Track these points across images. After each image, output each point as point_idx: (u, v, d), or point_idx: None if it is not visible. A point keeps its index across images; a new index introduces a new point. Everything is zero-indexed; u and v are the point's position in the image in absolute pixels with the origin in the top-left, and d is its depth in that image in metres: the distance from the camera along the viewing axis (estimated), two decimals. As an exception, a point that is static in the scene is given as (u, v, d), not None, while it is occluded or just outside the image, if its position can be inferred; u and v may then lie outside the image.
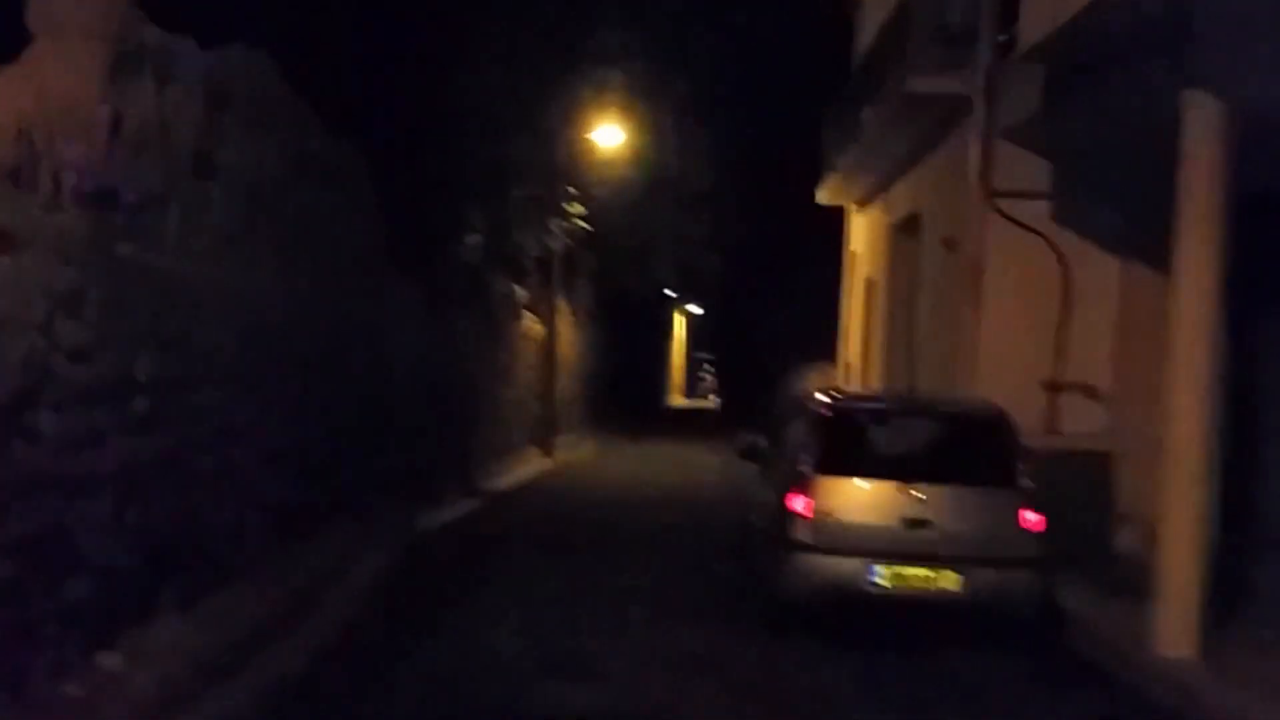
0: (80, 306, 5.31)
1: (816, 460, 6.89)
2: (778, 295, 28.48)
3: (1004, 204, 10.09)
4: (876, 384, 15.62)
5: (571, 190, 19.27)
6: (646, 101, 22.10)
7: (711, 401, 45.65)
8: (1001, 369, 10.02)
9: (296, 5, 11.40)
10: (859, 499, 6.87)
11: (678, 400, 49.61)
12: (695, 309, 50.85)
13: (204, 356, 6.67)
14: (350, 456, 10.05)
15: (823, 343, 22.61)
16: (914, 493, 6.75)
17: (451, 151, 14.74)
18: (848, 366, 18.45)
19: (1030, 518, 6.77)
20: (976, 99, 10.17)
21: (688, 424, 34.46)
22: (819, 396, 7.61)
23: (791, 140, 25.37)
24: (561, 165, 18.13)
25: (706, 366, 55.29)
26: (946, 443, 7.05)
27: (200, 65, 6.53)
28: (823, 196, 18.51)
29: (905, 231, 14.81)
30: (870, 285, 16.96)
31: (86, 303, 5.36)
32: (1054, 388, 9.89)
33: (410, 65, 14.16)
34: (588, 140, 20.13)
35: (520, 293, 18.42)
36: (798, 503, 6.88)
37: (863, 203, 17.46)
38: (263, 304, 7.57)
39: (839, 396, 7.82)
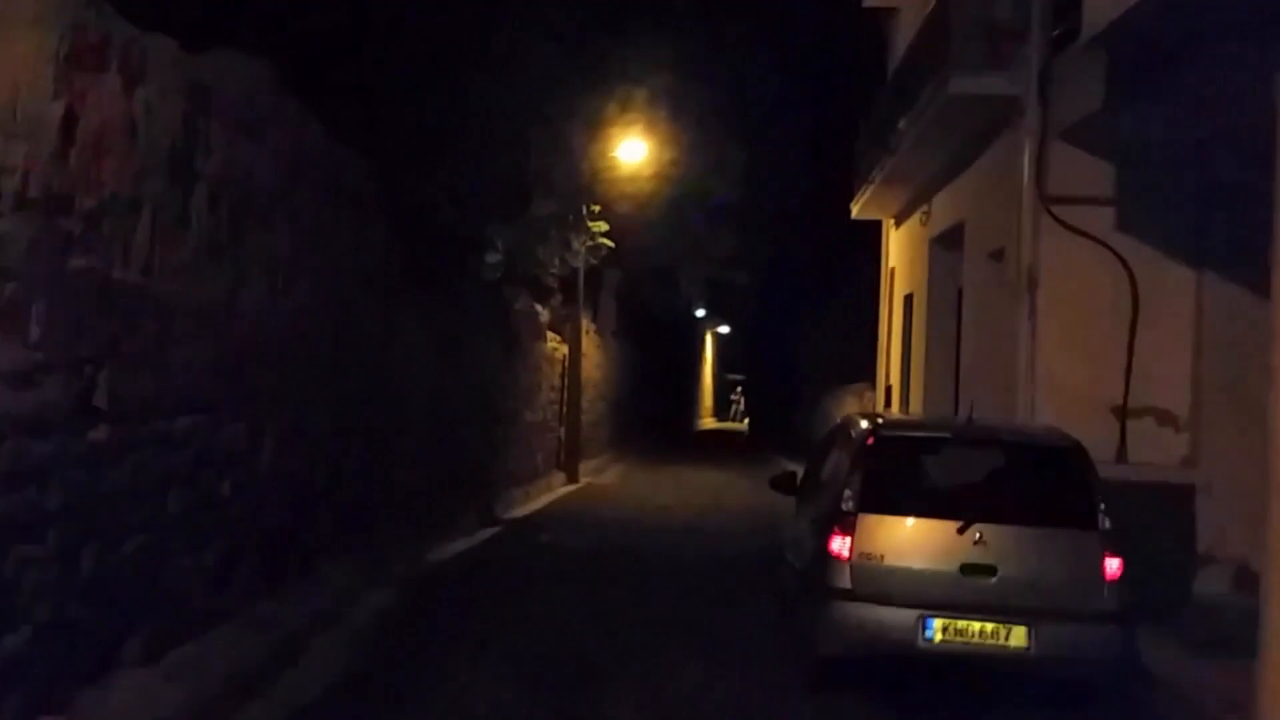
0: (21, 324, 4.66)
1: (861, 496, 6.11)
2: (810, 314, 27.68)
3: (1060, 211, 9.29)
4: (919, 406, 14.78)
5: (596, 207, 18.65)
6: (673, 115, 21.46)
7: (743, 424, 44.76)
8: (1063, 392, 9.20)
9: (305, 9, 10.83)
10: (911, 541, 6.08)
11: (707, 422, 48.81)
12: (724, 329, 50.12)
13: (180, 379, 6.00)
14: (356, 484, 9.36)
15: (858, 363, 21.80)
16: (975, 534, 5.95)
17: (470, 165, 14.13)
18: (887, 388, 17.61)
19: (1111, 565, 5.93)
20: (1028, 98, 9.39)
21: (717, 447, 33.68)
22: (863, 422, 6.84)
23: (823, 154, 24.68)
24: (586, 180, 17.49)
25: (739, 390, 54.45)
26: (1013, 476, 6.23)
27: (181, 65, 5.90)
28: (858, 211, 17.73)
29: (947, 244, 14.01)
30: (909, 302, 16.15)
31: (29, 320, 4.70)
32: (1123, 413, 9.04)
33: (426, 73, 13.57)
34: (613, 155, 19.50)
35: (543, 312, 17.76)
36: (839, 544, 6.10)
37: (900, 216, 16.67)
38: (253, 322, 6.91)
39: (886, 422, 7.03)
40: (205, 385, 6.24)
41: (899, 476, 6.27)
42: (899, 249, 17.24)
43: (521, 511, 14.73)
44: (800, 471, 8.34)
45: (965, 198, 12.19)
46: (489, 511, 13.66)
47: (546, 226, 15.64)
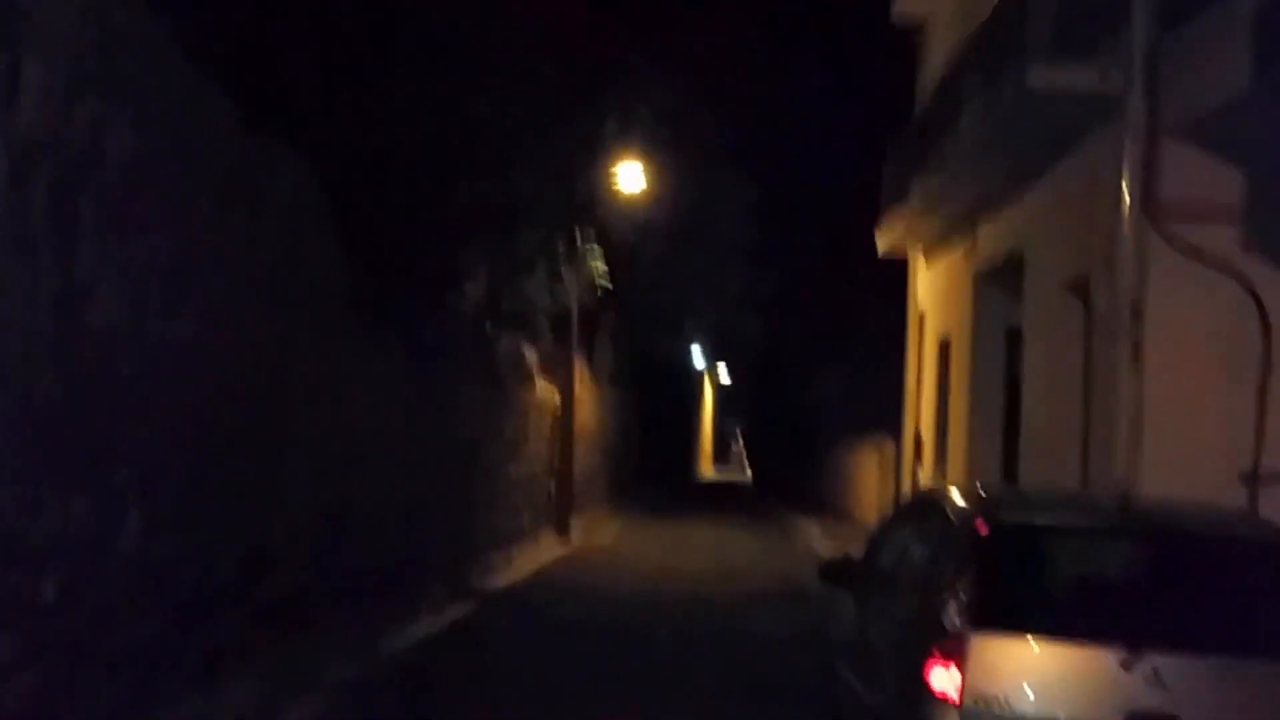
0: None
1: (975, 607, 4.18)
2: (823, 360, 25.80)
3: (1172, 230, 7.47)
4: (960, 464, 12.85)
5: (592, 243, 16.86)
6: (677, 142, 19.81)
7: (746, 474, 42.75)
8: (1175, 454, 7.30)
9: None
10: (1048, 674, 4.14)
11: (708, 471, 46.79)
12: (725, 377, 48.29)
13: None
14: (284, 567, 7.41)
15: (876, 413, 19.91)
16: (1148, 668, 4.01)
17: (446, 183, 12.34)
18: (917, 441, 15.69)
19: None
20: (1131, 89, 7.58)
21: (720, 498, 31.65)
22: (960, 499, 4.91)
23: (839, 188, 22.99)
24: (581, 209, 15.70)
25: (739, 437, 52.50)
26: (1201, 583, 4.30)
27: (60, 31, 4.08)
28: (885, 246, 15.93)
29: (997, 280, 12.16)
30: (946, 347, 14.28)
31: None
32: (1254, 481, 7.14)
33: (402, 81, 11.84)
34: (611, 183, 17.75)
35: (531, 353, 15.87)
36: (944, 679, 4.17)
37: (934, 249, 14.85)
38: (104, 352, 5.02)
39: (999, 499, 5.05)
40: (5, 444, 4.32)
41: (1029, 581, 4.35)
42: (932, 288, 15.40)
43: (503, 581, 12.72)
44: (848, 553, 6.40)
45: (1028, 221, 10.35)
46: (464, 582, 11.68)
47: (535, 255, 13.77)
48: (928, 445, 15.08)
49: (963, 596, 4.19)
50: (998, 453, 12.43)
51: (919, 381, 15.97)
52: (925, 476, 15.15)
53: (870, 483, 20.17)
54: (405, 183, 11.59)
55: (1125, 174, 7.62)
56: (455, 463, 12.24)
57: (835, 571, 5.84)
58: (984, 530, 4.33)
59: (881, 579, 5.39)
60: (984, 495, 5.10)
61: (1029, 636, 4.18)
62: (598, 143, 15.62)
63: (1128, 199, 7.60)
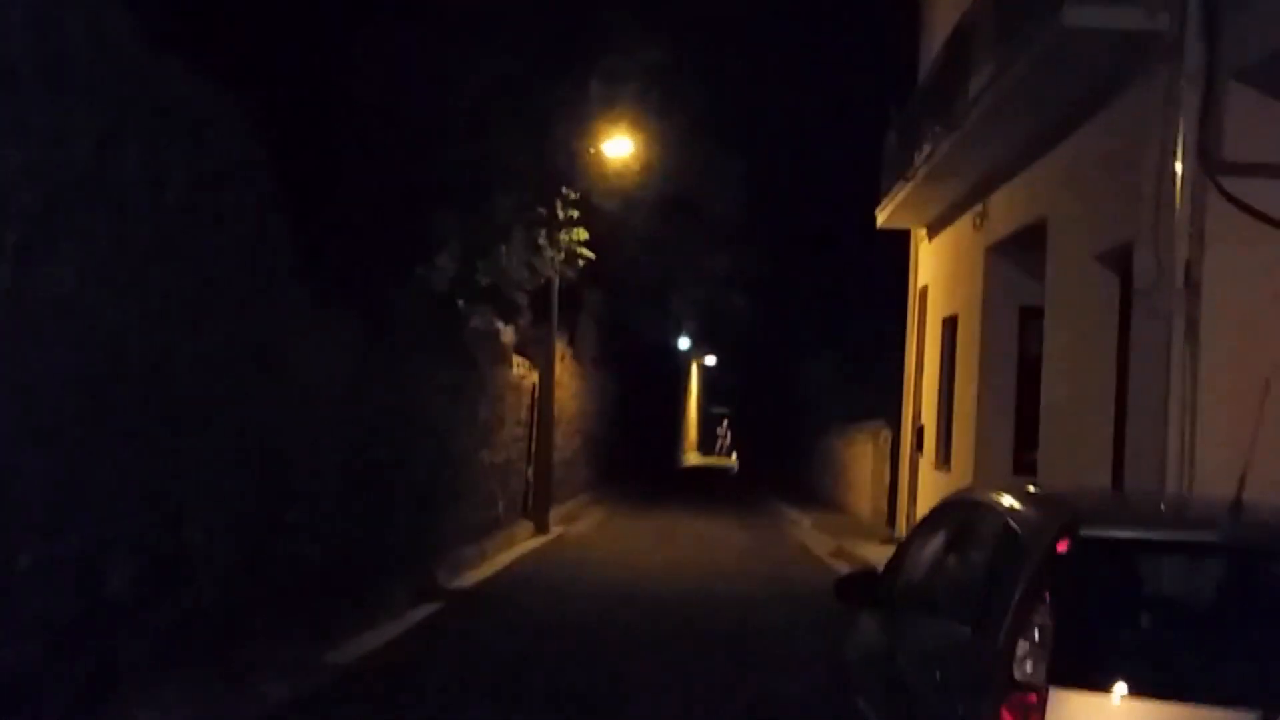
0: None
1: (1052, 652, 3.19)
2: (815, 342, 24.84)
3: (1233, 186, 6.51)
4: (967, 454, 11.91)
5: (572, 198, 15.79)
6: (664, 113, 18.76)
7: (731, 460, 41.82)
8: (1237, 452, 6.35)
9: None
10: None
11: (692, 458, 45.88)
12: (710, 360, 47.36)
13: None
14: (210, 574, 6.40)
15: (873, 398, 18.97)
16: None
17: (415, 143, 11.28)
18: (918, 430, 14.75)
19: None
20: (1188, 28, 6.61)
21: (705, 486, 30.70)
22: (1023, 505, 3.90)
23: (833, 164, 21.99)
24: (563, 176, 14.65)
25: (726, 423, 51.57)
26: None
27: None
28: (885, 218, 14.94)
29: (1012, 251, 11.22)
30: (951, 326, 13.33)
31: None
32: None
33: (361, 31, 10.76)
34: (596, 154, 16.70)
35: (506, 331, 14.83)
36: (1014, 742, 3.19)
37: (938, 224, 13.88)
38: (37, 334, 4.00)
39: (1074, 506, 3.88)
40: None
41: (1127, 616, 3.37)
42: (936, 263, 14.43)
43: (473, 578, 11.72)
44: (866, 567, 5.43)
45: (1053, 186, 9.38)
46: (429, 581, 10.67)
47: (510, 222, 12.71)
48: (930, 432, 14.15)
49: (1038, 637, 3.20)
50: (1009, 441, 11.51)
51: (919, 364, 15.03)
52: (927, 466, 14.22)
53: (865, 473, 19.23)
54: (367, 137, 10.54)
55: (1179, 126, 6.66)
56: (420, 449, 11.23)
57: (854, 589, 4.83)
58: (1065, 547, 3.32)
59: (914, 599, 4.40)
60: (1051, 499, 4.09)
61: (1127, 693, 3.18)
62: (581, 106, 14.55)
63: (1181, 155, 6.64)
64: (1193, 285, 6.56)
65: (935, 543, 4.41)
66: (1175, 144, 6.66)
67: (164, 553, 5.74)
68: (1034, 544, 3.44)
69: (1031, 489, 4.47)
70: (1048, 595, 3.25)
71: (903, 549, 4.84)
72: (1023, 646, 3.23)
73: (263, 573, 7.26)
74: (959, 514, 4.34)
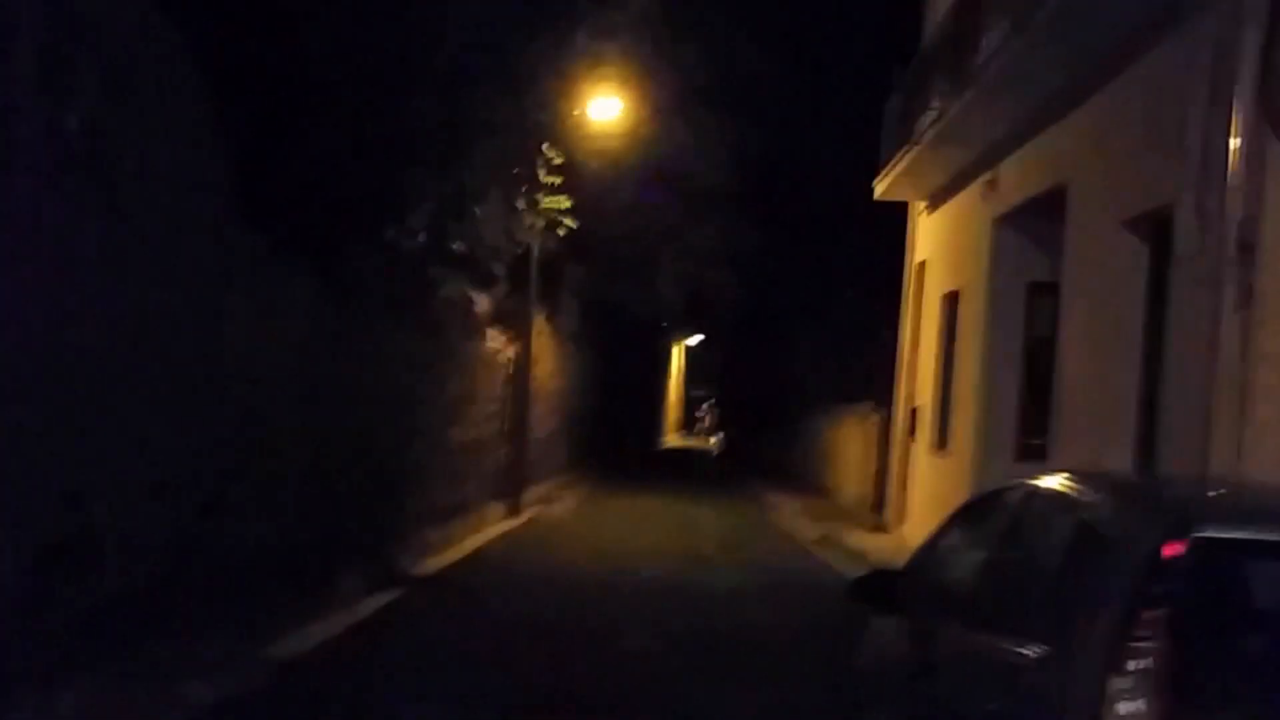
0: None
1: (1159, 691, 2.43)
2: (804, 319, 24.06)
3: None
4: (968, 436, 11.18)
5: (555, 180, 14.95)
6: (652, 81, 17.92)
7: (712, 443, 41.08)
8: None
9: None
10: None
11: (672, 439, 45.15)
12: (693, 340, 46.57)
13: None
14: (134, 544, 5.59)
15: (864, 378, 18.25)
16: None
17: (383, 91, 10.40)
18: (913, 411, 14.03)
19: None
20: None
21: (686, 469, 29.97)
22: (1095, 494, 3.12)
23: (827, 135, 21.17)
24: (545, 130, 13.78)
25: (708, 405, 50.78)
26: None
27: None
28: (884, 189, 14.17)
29: (1023, 222, 10.48)
30: (952, 303, 12.59)
31: None
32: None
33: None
34: (580, 117, 15.85)
35: (482, 302, 14.00)
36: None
37: (943, 194, 13.11)
38: None
39: (1173, 498, 3.18)
40: None
41: (1251, 639, 2.61)
42: (936, 236, 13.68)
43: (437, 564, 10.93)
44: (886, 568, 4.65)
45: (1077, 147, 8.60)
46: (388, 566, 9.87)
47: (487, 180, 11.84)
48: (925, 415, 13.42)
49: (1140, 668, 2.43)
50: (1014, 424, 10.78)
51: (916, 342, 14.29)
52: (921, 450, 13.50)
53: (854, 457, 18.52)
54: (328, 83, 9.65)
55: (1237, 69, 5.89)
56: (382, 424, 10.41)
57: (872, 590, 4.06)
58: (1175, 551, 2.54)
59: (952, 607, 3.63)
60: (1144, 490, 3.29)
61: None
62: (565, 61, 13.66)
63: (1239, 100, 5.87)
64: (1247, 250, 5.81)
65: (980, 540, 3.64)
66: (1230, 90, 5.90)
67: (61, 536, 4.92)
68: (1129, 547, 2.66)
69: (1114, 476, 3.69)
70: (1154, 614, 2.48)
71: (932, 545, 4.06)
72: (1119, 682, 2.46)
73: (195, 557, 6.44)
74: (1011, 506, 3.55)
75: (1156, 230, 7.24)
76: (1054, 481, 3.35)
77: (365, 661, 7.08)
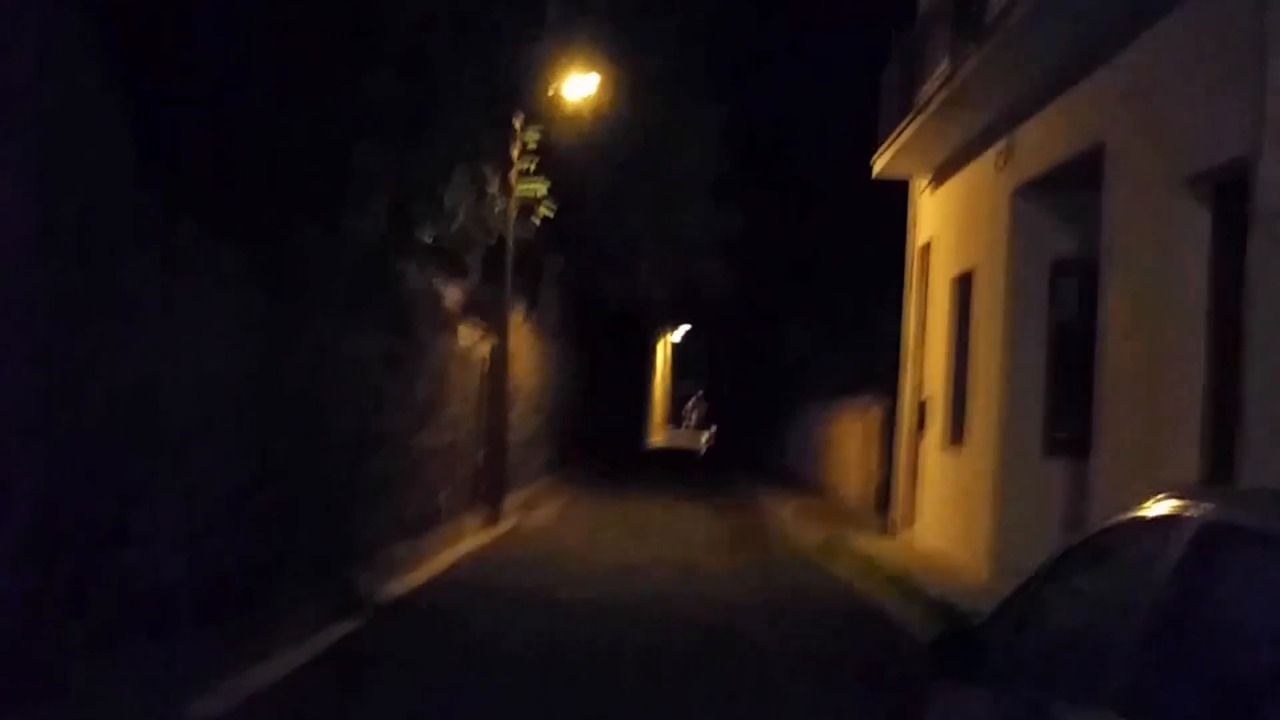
0: None
1: None
2: (797, 311, 23.04)
3: None
4: (989, 429, 10.17)
5: (530, 166, 13.90)
6: (633, 55, 16.91)
7: (702, 440, 40.03)
8: None
9: None
10: None
11: (661, 438, 44.10)
12: (678, 335, 45.57)
13: None
14: (20, 581, 4.52)
15: (863, 371, 17.26)
16: None
17: (335, 60, 9.33)
18: (921, 405, 13.03)
19: None
20: None
21: (675, 469, 28.88)
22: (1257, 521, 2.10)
23: (820, 115, 20.20)
24: (517, 98, 12.71)
25: (695, 398, 49.75)
26: None
27: None
28: (883, 165, 13.17)
29: (1045, 192, 9.50)
30: (965, 285, 11.58)
31: None
32: None
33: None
34: (555, 96, 14.81)
35: (453, 293, 12.93)
36: None
37: (949, 167, 12.12)
38: None
39: None
40: None
41: None
42: (941, 215, 12.68)
43: (406, 584, 9.84)
44: (968, 625, 3.58)
45: (1115, 101, 7.59)
46: (348, 589, 8.80)
47: (452, 157, 10.76)
48: (936, 408, 12.43)
49: None
50: (1040, 417, 9.80)
51: (922, 329, 13.30)
52: (932, 446, 12.51)
53: (854, 453, 17.52)
54: (270, 58, 8.56)
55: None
56: (339, 431, 9.35)
57: (954, 654, 3.00)
58: None
59: (1080, 685, 2.54)
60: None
61: None
62: (535, 30, 12.60)
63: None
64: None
65: (1108, 592, 2.60)
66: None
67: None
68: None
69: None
70: None
71: (1029, 593, 3.01)
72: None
73: (89, 602, 5.36)
74: (1150, 544, 2.49)
75: (1220, 190, 6.25)
76: (1246, 512, 2.30)
77: (316, 706, 6.02)
